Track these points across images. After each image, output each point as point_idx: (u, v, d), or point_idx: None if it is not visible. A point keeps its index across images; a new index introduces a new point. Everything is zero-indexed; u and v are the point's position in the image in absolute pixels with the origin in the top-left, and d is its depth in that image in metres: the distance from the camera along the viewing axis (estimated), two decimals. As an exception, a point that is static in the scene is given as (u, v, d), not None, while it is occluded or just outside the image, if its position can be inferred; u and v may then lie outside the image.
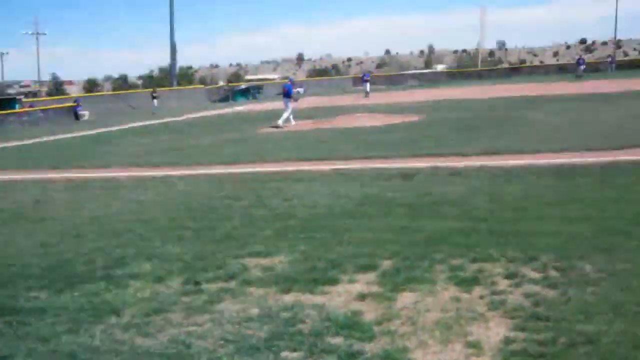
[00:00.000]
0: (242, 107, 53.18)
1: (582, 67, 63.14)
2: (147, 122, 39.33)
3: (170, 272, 7.94)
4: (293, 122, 28.82)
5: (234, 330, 5.91)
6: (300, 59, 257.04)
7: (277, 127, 28.12)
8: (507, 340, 5.15)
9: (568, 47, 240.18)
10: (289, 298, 6.71)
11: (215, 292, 7.03)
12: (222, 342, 5.68)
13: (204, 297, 6.94)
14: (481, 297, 6.19)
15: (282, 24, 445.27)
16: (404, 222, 9.33)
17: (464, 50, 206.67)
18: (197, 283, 7.47)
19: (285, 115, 29.14)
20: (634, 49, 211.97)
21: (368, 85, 55.80)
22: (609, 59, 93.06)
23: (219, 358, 5.36)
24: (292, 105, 29.63)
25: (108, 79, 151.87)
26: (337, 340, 5.49)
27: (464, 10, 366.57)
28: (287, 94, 29.89)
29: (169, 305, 6.76)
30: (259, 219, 10.38)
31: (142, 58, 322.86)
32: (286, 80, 37.01)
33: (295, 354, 5.33)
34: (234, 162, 17.53)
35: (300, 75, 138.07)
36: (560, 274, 6.57)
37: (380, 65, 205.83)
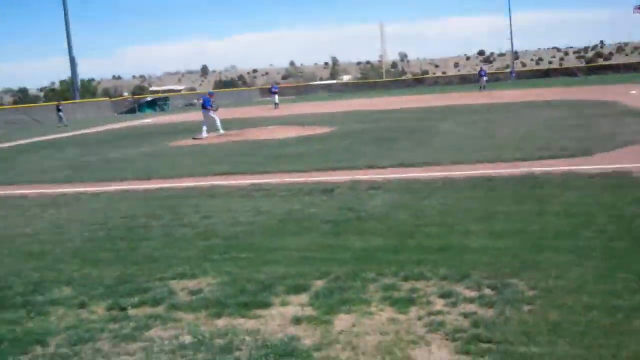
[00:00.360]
0: (150, 119, 52.21)
1: (485, 78, 64.82)
2: (54, 137, 38.13)
3: (93, 297, 7.59)
4: (205, 135, 28.51)
5: (168, 360, 5.66)
6: (205, 70, 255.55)
7: (220, 135, 28.63)
8: (453, 365, 5.08)
9: (468, 58, 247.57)
10: (221, 323, 6.48)
11: (144, 319, 6.73)
12: (156, 373, 5.43)
13: (132, 324, 6.62)
14: (419, 319, 6.09)
15: (185, 35, 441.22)
16: (330, 240, 9.21)
17: (368, 62, 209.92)
18: (123, 309, 7.16)
19: (218, 123, 29.39)
20: (531, 60, 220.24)
21: (277, 97, 55.88)
22: (510, 70, 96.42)
23: (155, 392, 5.09)
24: (214, 114, 29.51)
25: (7, 92, 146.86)
26: (277, 369, 5.31)
27: (365, 23, 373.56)
28: (204, 106, 29.74)
29: (96, 334, 6.44)
30: (180, 238, 10.09)
31: (42, 69, 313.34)
32: (205, 93, 36.74)
33: (234, 385, 5.12)
34: (148, 178, 17.10)
35: (207, 87, 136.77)
36: (495, 292, 6.54)
37: (285, 76, 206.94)
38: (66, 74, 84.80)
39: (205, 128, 28.94)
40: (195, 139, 28.22)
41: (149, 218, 11.75)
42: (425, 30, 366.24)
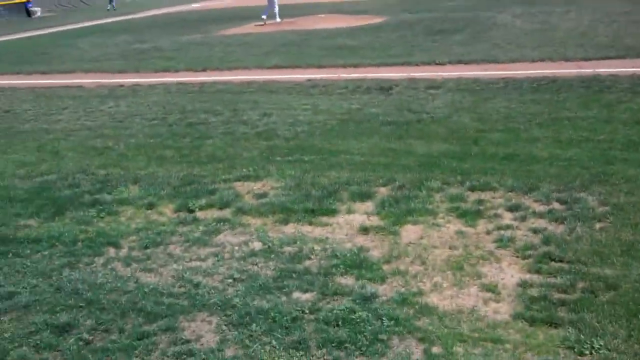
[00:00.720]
0: (197, 4, 51.50)
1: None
2: (104, 21, 37.94)
3: (161, 197, 7.77)
4: (264, 17, 27.98)
5: (240, 267, 5.80)
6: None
7: (276, 23, 27.93)
8: (524, 284, 5.06)
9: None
10: (289, 230, 6.59)
11: (212, 222, 6.88)
12: (230, 280, 5.57)
13: (202, 227, 6.80)
14: (487, 233, 6.08)
15: None
16: (392, 144, 9.15)
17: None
18: (190, 211, 7.30)
19: (276, 9, 28.57)
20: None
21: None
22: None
23: (230, 300, 5.23)
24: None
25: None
26: (348, 281, 5.40)
27: None
28: None
29: (166, 237, 6.62)
30: (241, 137, 10.14)
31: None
32: None
33: (307, 295, 5.23)
34: (202, 69, 17.09)
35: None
36: (565, 207, 6.46)
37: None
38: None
39: (267, 13, 28.29)
40: (257, 25, 27.72)
41: (207, 113, 11.80)
42: None
